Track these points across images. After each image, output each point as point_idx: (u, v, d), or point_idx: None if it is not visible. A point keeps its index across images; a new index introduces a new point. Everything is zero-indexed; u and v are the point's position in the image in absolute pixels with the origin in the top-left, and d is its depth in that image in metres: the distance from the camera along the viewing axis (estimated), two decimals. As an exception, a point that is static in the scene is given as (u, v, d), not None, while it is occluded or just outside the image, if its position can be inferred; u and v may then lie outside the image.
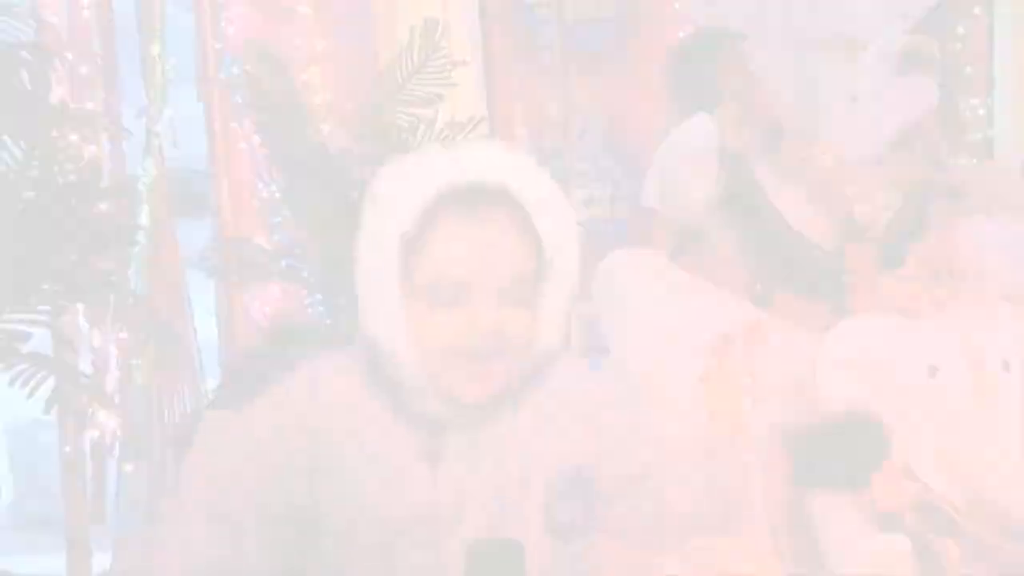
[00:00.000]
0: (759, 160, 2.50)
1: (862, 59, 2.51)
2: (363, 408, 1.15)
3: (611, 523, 1.15)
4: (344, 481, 1.12)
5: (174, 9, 2.59)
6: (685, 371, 2.41)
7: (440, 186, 1.12)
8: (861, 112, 2.45)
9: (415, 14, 3.01)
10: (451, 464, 1.12)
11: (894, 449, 1.86)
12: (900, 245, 2.45)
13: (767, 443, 2.42)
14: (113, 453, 2.20)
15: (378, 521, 1.11)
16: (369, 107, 2.43)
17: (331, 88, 3.15)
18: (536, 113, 3.00)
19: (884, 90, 2.51)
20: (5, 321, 1.61)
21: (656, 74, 2.68)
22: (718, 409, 2.48)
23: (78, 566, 2.25)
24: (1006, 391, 1.83)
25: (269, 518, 1.13)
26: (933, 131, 2.63)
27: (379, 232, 1.12)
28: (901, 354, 1.89)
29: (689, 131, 2.37)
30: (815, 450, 1.92)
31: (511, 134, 2.98)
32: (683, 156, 2.35)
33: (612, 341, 2.43)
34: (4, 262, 1.51)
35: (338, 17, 3.12)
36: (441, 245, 1.11)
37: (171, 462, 2.22)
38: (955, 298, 2.01)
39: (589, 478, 1.14)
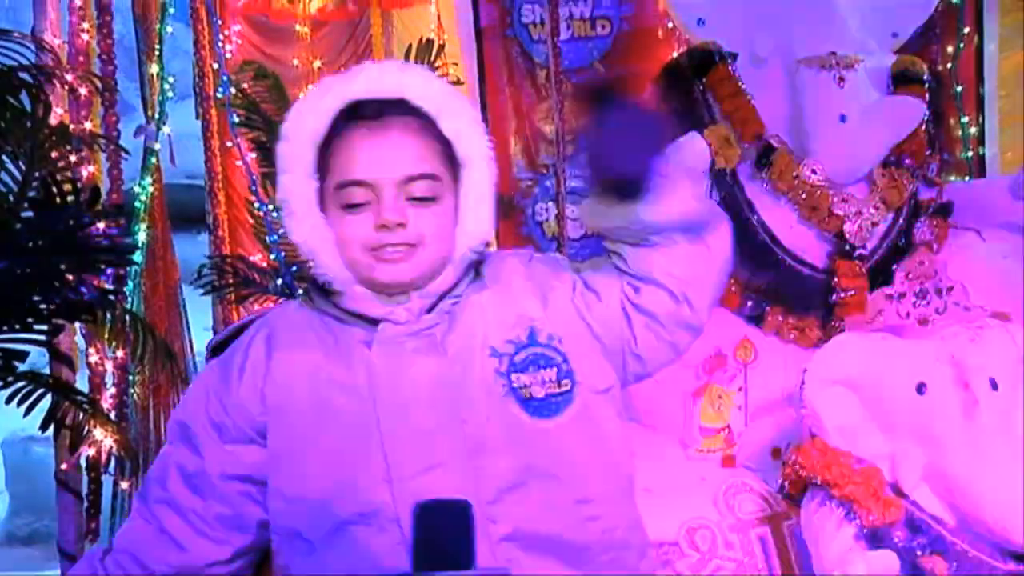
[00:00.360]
0: (749, 178, 2.53)
1: (852, 78, 2.53)
2: (310, 322, 1.26)
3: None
4: (293, 395, 1.22)
5: (173, 27, 2.62)
6: (677, 387, 2.43)
7: (342, 100, 1.22)
8: (851, 131, 2.47)
9: (411, 34, 3.04)
10: (385, 347, 1.20)
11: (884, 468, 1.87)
12: (892, 263, 2.48)
13: (759, 458, 2.44)
14: (109, 470, 2.21)
15: (331, 420, 1.20)
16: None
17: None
18: (530, 131, 3.03)
19: (874, 109, 2.54)
20: (3, 340, 1.62)
21: (648, 92, 2.70)
22: (710, 424, 2.50)
23: (73, 583, 2.25)
24: (994, 409, 1.84)
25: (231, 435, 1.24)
26: (922, 149, 2.66)
27: (294, 145, 1.22)
28: (890, 372, 1.90)
29: (680, 149, 2.38)
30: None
31: (505, 152, 3.01)
32: (674, 174, 2.37)
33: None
34: (3, 281, 1.53)
35: (335, 37, 3.15)
36: (346, 152, 1.21)
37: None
38: (943, 316, 2.02)
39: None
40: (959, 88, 3.22)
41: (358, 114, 1.22)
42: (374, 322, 1.23)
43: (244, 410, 1.24)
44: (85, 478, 2.21)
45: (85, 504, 2.23)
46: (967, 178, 3.34)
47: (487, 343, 1.23)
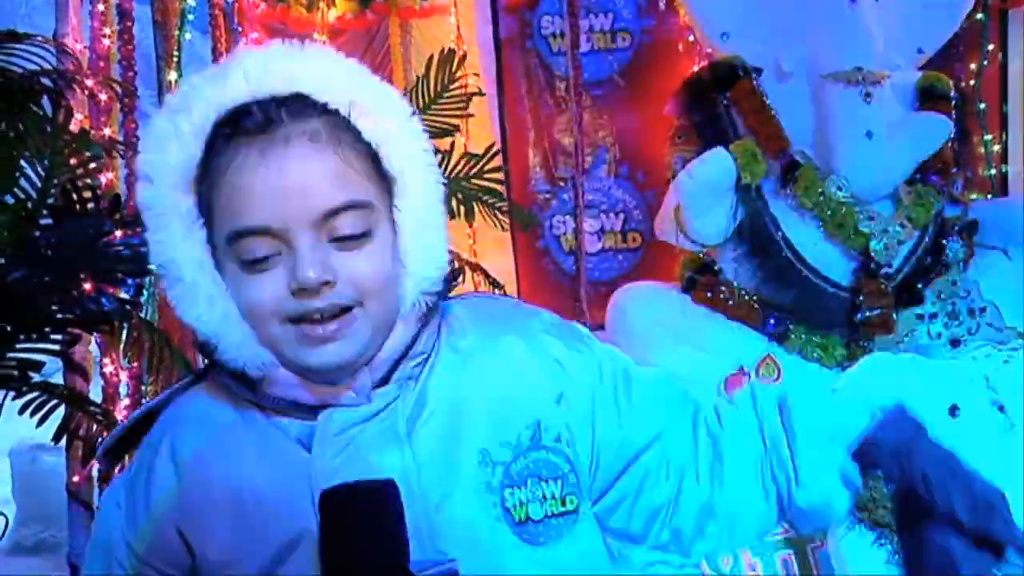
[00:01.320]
0: (774, 194, 2.50)
1: (878, 94, 2.50)
2: (224, 421, 0.93)
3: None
4: (218, 511, 0.91)
5: (192, 35, 2.59)
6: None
7: (216, 110, 0.85)
8: (877, 147, 2.44)
9: (430, 44, 3.02)
10: (328, 447, 0.88)
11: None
12: (918, 282, 2.44)
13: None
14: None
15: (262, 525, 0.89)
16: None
17: (346, 117, 3.13)
18: (548, 143, 3.00)
19: (900, 125, 2.51)
20: (20, 350, 1.59)
21: (669, 105, 2.68)
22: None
23: (81, 595, 2.22)
24: (1028, 432, 1.81)
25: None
26: (948, 167, 2.63)
27: (161, 188, 0.86)
28: (921, 394, 1.86)
29: (706, 165, 2.36)
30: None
31: (523, 165, 2.98)
32: (699, 190, 2.34)
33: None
34: (20, 289, 1.50)
35: (353, 47, 3.13)
36: (232, 184, 0.84)
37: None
38: (975, 336, 1.99)
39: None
40: (982, 105, 3.20)
41: (241, 125, 0.85)
42: (311, 409, 0.90)
43: (161, 554, 0.94)
44: (96, 490, 2.17)
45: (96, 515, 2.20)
46: (990, 196, 3.31)
47: (476, 442, 0.91)
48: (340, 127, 0.87)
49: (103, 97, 2.17)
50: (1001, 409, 1.83)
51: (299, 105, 0.86)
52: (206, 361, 0.96)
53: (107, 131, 2.19)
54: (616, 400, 0.99)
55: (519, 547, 0.90)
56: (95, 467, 2.11)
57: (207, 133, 0.86)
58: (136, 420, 0.99)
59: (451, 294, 0.99)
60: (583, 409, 0.96)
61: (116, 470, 1.10)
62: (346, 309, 0.86)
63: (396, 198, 0.89)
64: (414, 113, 0.93)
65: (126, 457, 1.03)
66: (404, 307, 0.90)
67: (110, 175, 2.10)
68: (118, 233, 1.63)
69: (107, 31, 2.27)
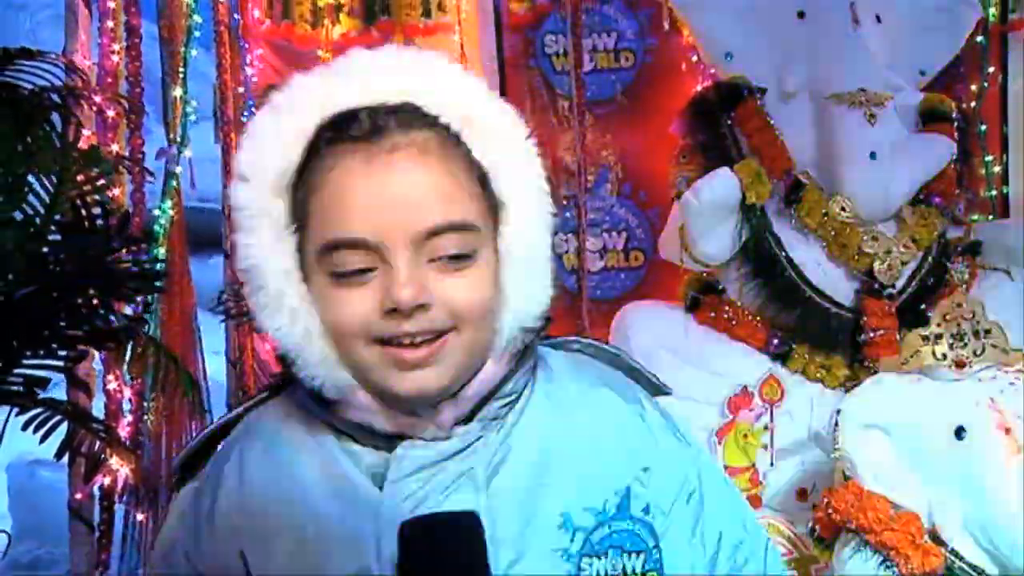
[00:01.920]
0: (777, 214, 2.50)
1: (882, 115, 2.51)
2: (297, 440, 0.88)
3: None
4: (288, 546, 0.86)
5: (197, 50, 2.60)
6: (702, 425, 2.39)
7: (321, 114, 0.81)
8: (882, 168, 2.45)
9: (435, 62, 3.03)
10: (401, 485, 0.83)
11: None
12: (921, 303, 2.45)
13: (785, 499, 2.40)
14: (123, 500, 2.16)
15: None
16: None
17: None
18: (552, 162, 3.01)
19: (904, 146, 2.52)
20: (26, 366, 1.58)
21: (672, 125, 2.69)
22: (735, 464, 2.45)
23: (79, 613, 2.21)
24: (1034, 454, 1.80)
25: None
26: (951, 188, 2.64)
27: (257, 188, 0.82)
28: (927, 416, 1.86)
29: (711, 184, 2.36)
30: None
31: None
32: (704, 209, 2.34)
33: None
34: (29, 306, 1.49)
35: (359, 63, 3.14)
36: (332, 192, 0.80)
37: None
38: (980, 358, 1.99)
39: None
40: (983, 127, 3.21)
41: (346, 130, 0.81)
42: (388, 438, 0.85)
43: (217, 569, 0.89)
44: (97, 507, 2.15)
45: (97, 534, 2.18)
46: (991, 217, 3.32)
47: (558, 502, 0.84)
48: (450, 142, 0.82)
49: (111, 113, 2.17)
50: (1008, 432, 1.83)
51: (409, 115, 0.81)
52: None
53: (115, 147, 2.19)
54: (694, 515, 0.92)
55: None
56: (96, 485, 2.10)
57: (309, 136, 0.81)
58: (213, 432, 0.95)
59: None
60: (667, 495, 0.89)
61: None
62: (439, 335, 0.81)
63: (502, 224, 0.84)
64: (530, 136, 0.88)
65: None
66: (500, 341, 0.85)
67: (116, 191, 2.10)
68: (125, 251, 1.62)
69: (116, 47, 2.28)
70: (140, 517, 2.22)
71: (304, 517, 0.84)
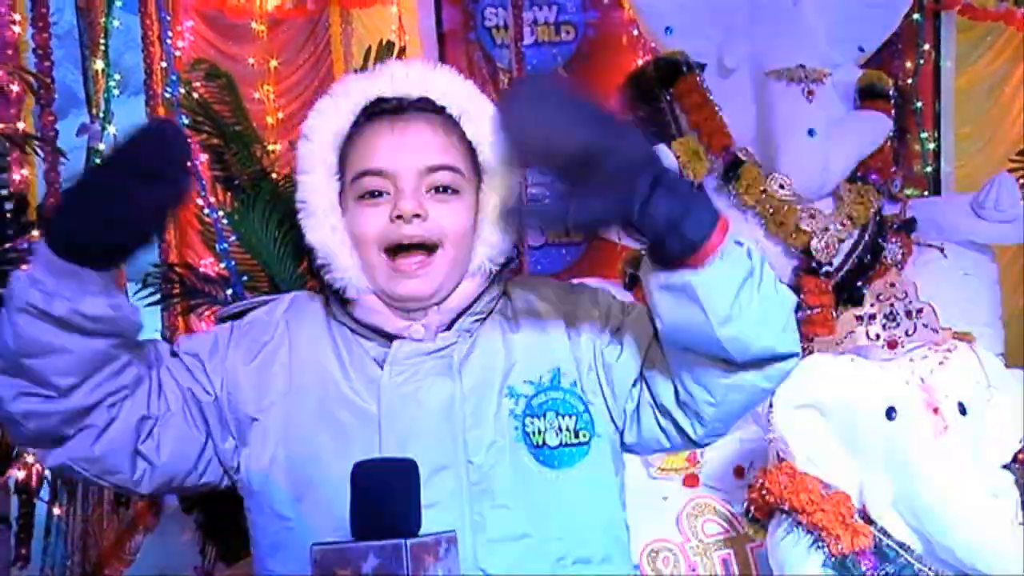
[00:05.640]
0: (715, 191, 2.49)
1: (820, 92, 2.50)
2: (327, 325, 1.18)
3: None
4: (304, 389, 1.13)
5: (128, 19, 2.48)
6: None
7: (365, 98, 1.16)
8: (819, 145, 2.45)
9: (371, 35, 2.95)
10: (397, 367, 1.13)
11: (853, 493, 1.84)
12: (857, 280, 2.46)
13: (722, 477, 2.40)
14: (42, 496, 2.07)
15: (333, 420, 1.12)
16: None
17: (284, 108, 3.07)
18: (491, 136, 2.96)
19: (842, 123, 2.51)
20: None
21: (612, 99, 2.65)
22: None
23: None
24: (963, 434, 1.82)
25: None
26: (888, 165, 2.65)
27: (316, 145, 1.16)
28: (860, 396, 1.87)
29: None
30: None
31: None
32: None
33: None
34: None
35: (293, 36, 3.04)
36: (365, 144, 1.14)
37: (107, 503, 2.10)
38: (912, 338, 2.00)
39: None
40: (919, 104, 3.24)
41: (379, 110, 1.16)
42: (389, 337, 1.14)
43: (241, 393, 1.13)
44: (15, 501, 2.07)
45: (14, 529, 2.10)
46: (925, 193, 3.36)
47: (506, 380, 1.14)
48: (451, 125, 1.14)
49: (15, 89, 2.03)
50: (936, 411, 1.84)
51: (425, 104, 1.15)
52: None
53: (20, 125, 2.06)
54: (606, 356, 1.16)
55: (539, 470, 1.11)
56: (9, 478, 2.01)
57: (356, 113, 1.15)
58: (259, 303, 1.23)
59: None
60: (588, 355, 1.15)
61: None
62: (428, 251, 1.11)
63: (484, 185, 1.15)
64: None
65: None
66: (472, 264, 1.14)
67: (24, 172, 1.98)
68: (35, 234, 1.53)
69: (17, 17, 2.11)
70: (58, 512, 2.13)
71: (326, 377, 1.13)
